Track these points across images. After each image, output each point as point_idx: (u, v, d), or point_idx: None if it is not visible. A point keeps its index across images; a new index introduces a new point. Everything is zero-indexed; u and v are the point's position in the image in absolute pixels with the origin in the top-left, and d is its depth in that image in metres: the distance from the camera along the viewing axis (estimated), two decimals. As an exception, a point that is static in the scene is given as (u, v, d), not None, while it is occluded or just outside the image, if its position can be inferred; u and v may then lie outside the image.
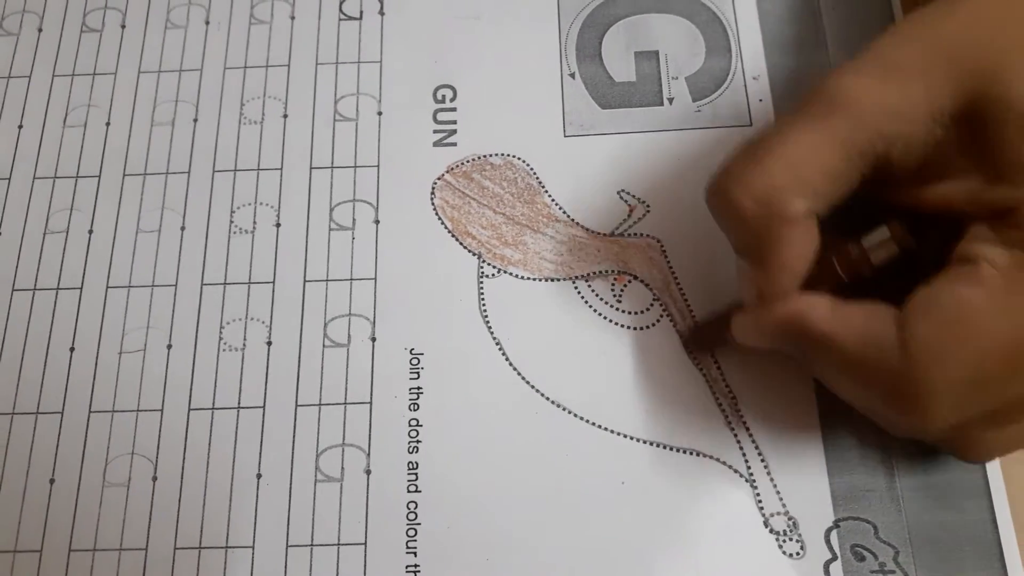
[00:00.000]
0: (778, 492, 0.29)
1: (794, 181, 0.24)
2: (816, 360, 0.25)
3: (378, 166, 0.33)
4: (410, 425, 0.30)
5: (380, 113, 0.34)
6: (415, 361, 0.31)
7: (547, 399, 0.30)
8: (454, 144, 0.34)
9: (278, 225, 0.33)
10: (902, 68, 0.23)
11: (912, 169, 0.24)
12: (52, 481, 0.30)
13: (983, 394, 0.23)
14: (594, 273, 0.32)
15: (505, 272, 0.32)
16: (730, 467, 0.29)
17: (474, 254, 0.32)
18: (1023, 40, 0.23)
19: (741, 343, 0.27)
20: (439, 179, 0.33)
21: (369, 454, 0.30)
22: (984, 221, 0.24)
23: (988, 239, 0.23)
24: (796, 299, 0.25)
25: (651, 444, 0.29)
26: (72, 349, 0.31)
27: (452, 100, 0.34)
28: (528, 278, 0.32)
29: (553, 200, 0.33)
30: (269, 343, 0.31)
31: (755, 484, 0.29)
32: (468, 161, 0.33)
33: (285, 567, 0.28)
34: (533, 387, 0.30)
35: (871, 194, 0.25)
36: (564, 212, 0.32)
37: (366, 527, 0.29)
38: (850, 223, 0.26)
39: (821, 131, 0.24)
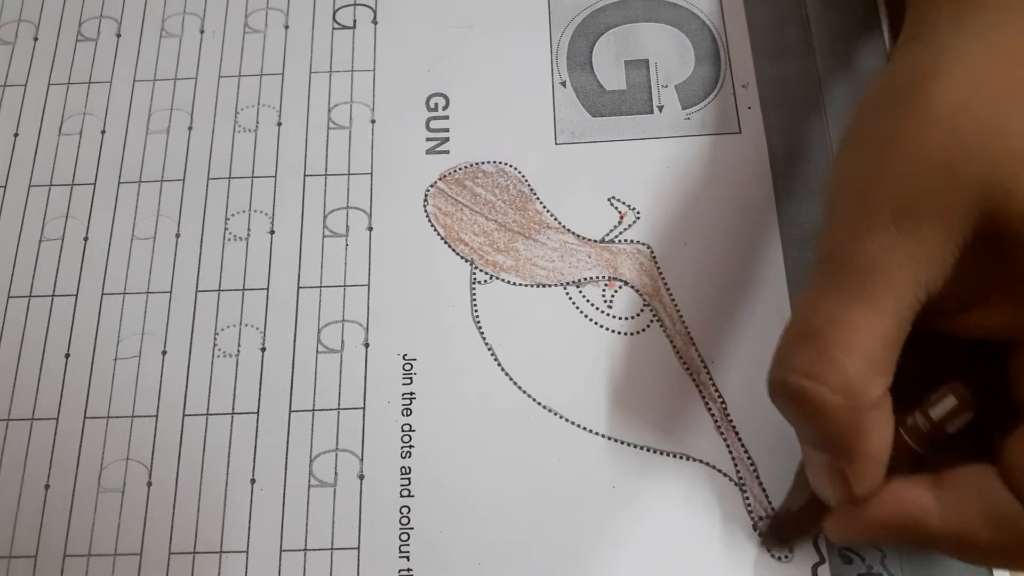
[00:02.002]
0: (767, 496, 0.29)
1: (866, 365, 0.22)
2: (942, 550, 0.23)
3: (371, 173, 0.34)
4: (403, 430, 0.30)
5: (373, 121, 0.35)
6: (408, 367, 0.31)
7: (538, 404, 0.30)
8: (447, 152, 0.34)
9: (272, 232, 0.33)
10: (913, 210, 0.21)
11: (953, 303, 0.22)
12: (47, 487, 0.30)
13: None
14: (585, 279, 0.32)
15: (497, 278, 0.32)
16: (719, 471, 0.29)
17: (466, 260, 0.32)
18: (1018, 143, 0.21)
19: (841, 544, 0.26)
20: (432, 186, 0.33)
21: (362, 459, 0.30)
22: None
23: None
24: (895, 495, 0.23)
25: (641, 448, 0.30)
26: (67, 355, 0.32)
27: (445, 108, 0.35)
28: (520, 284, 0.32)
29: (544, 207, 0.33)
30: (263, 349, 0.31)
31: (744, 488, 0.29)
32: (460, 168, 0.34)
33: (279, 572, 0.29)
34: (525, 392, 0.30)
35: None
36: (555, 219, 0.33)
37: (359, 532, 0.29)
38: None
39: (867, 304, 0.22)
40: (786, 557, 0.28)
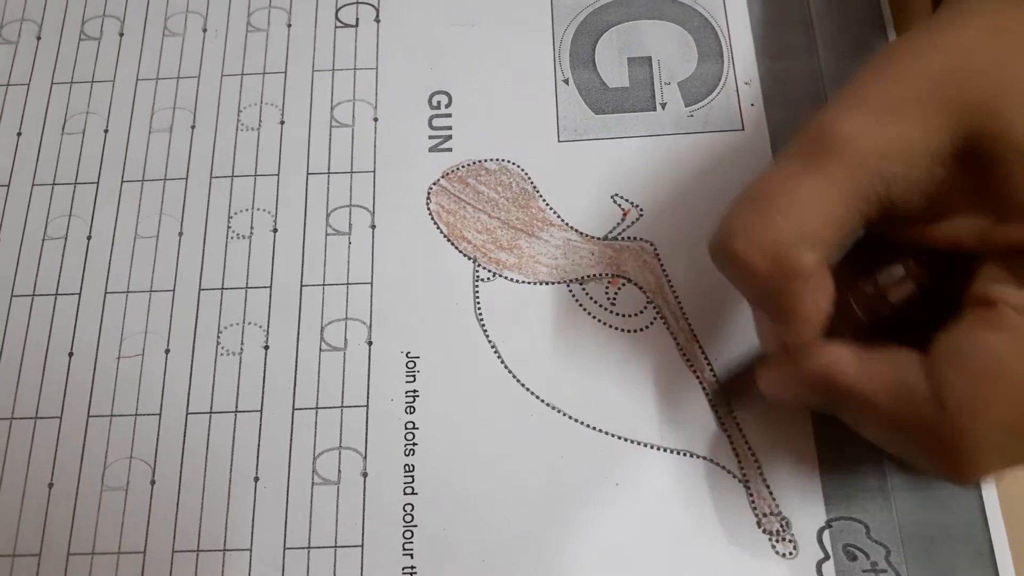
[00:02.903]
0: (771, 492, 0.29)
1: (802, 234, 0.23)
2: (848, 413, 0.25)
3: (374, 171, 0.34)
4: (406, 428, 0.30)
5: (376, 119, 0.35)
6: (411, 364, 0.31)
7: (542, 401, 0.30)
8: (449, 150, 0.34)
9: (275, 230, 0.33)
10: (896, 106, 0.22)
11: (917, 208, 0.23)
12: (51, 485, 0.30)
13: (1021, 441, 0.22)
14: (588, 276, 0.32)
15: (500, 276, 0.32)
16: (723, 468, 0.29)
17: (469, 258, 0.32)
18: (1018, 72, 0.22)
19: (769, 397, 0.27)
20: (435, 184, 0.33)
21: (366, 457, 0.30)
22: (996, 260, 0.23)
23: (1003, 279, 0.23)
24: (821, 352, 0.24)
25: (645, 445, 0.29)
26: (71, 354, 0.32)
27: (447, 106, 0.35)
28: (523, 282, 0.32)
29: (547, 204, 0.33)
30: (266, 347, 0.31)
31: (748, 485, 0.29)
32: (463, 166, 0.34)
33: (283, 570, 0.29)
34: (528, 389, 0.30)
35: (881, 232, 0.25)
36: (558, 216, 0.33)
37: (363, 529, 0.29)
38: (866, 257, 0.25)
39: (821, 179, 0.23)
40: (790, 554, 0.28)
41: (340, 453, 0.30)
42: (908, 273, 0.25)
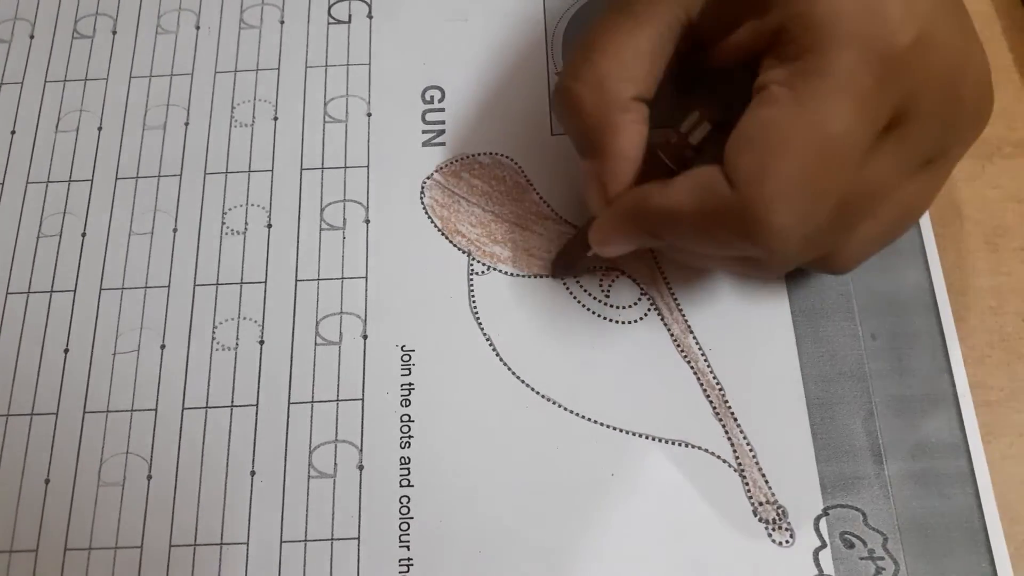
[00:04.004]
0: (767, 481, 0.29)
1: (619, 68, 0.27)
2: (667, 235, 0.27)
3: (368, 166, 0.34)
4: (402, 421, 0.30)
5: (369, 114, 0.35)
6: (406, 358, 0.31)
7: (537, 393, 0.30)
8: (443, 144, 0.34)
9: (269, 226, 0.33)
10: None
11: (714, 29, 0.27)
12: (47, 481, 0.30)
13: (815, 194, 0.24)
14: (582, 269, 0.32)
15: (495, 269, 0.32)
16: (719, 457, 0.29)
17: (464, 252, 0.32)
18: None
19: (601, 252, 0.29)
20: (428, 178, 0.33)
21: (361, 450, 0.30)
22: (769, 55, 0.25)
23: (772, 66, 0.25)
24: (636, 189, 0.27)
25: (640, 436, 0.30)
26: (66, 350, 0.32)
27: (440, 101, 0.35)
28: (517, 275, 0.32)
29: (541, 198, 0.33)
30: (262, 342, 0.31)
31: (744, 474, 0.29)
32: (457, 160, 0.34)
33: (280, 563, 0.29)
34: (523, 381, 0.30)
35: (689, 71, 0.28)
36: (552, 209, 0.33)
37: (359, 522, 0.29)
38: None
39: (632, 20, 0.27)
40: (787, 542, 0.28)
41: (336, 446, 0.30)
42: (702, 115, 0.28)
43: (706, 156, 0.26)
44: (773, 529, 0.28)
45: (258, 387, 0.31)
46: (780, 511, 0.29)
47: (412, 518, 0.29)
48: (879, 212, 0.26)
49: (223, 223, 0.33)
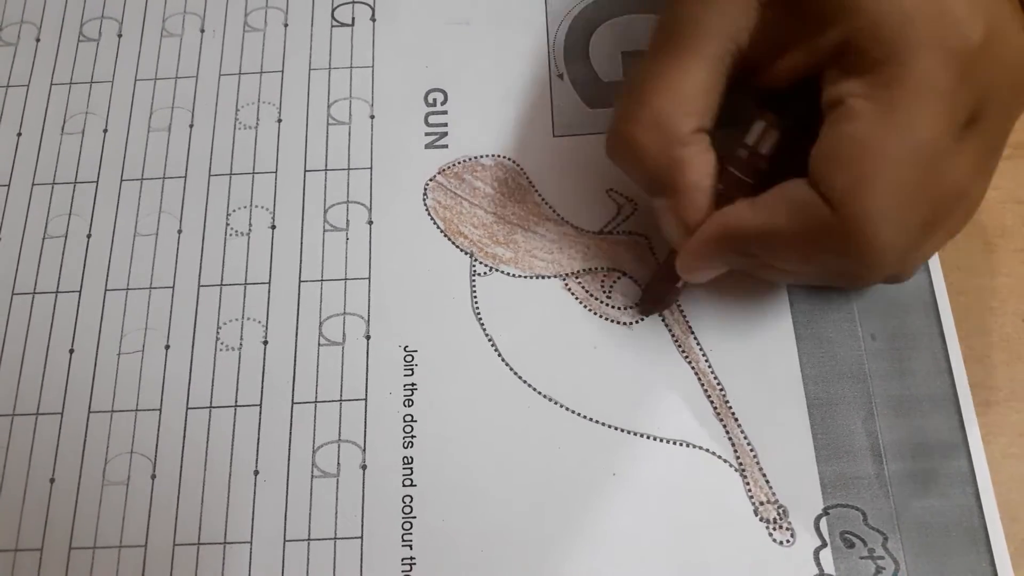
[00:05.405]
0: (767, 481, 0.29)
1: (675, 104, 0.26)
2: (763, 255, 0.26)
3: (371, 168, 0.34)
4: (405, 421, 0.30)
5: (373, 117, 0.35)
6: (409, 358, 0.31)
7: (539, 393, 0.30)
8: (445, 146, 0.34)
9: (273, 227, 0.33)
10: None
11: (764, 52, 0.27)
12: (52, 480, 0.30)
13: (914, 205, 0.24)
14: (584, 270, 0.32)
15: (497, 270, 0.32)
16: (719, 457, 0.29)
17: (466, 253, 0.33)
18: None
19: (692, 280, 0.29)
20: (431, 180, 0.34)
21: (365, 450, 0.30)
22: (832, 68, 0.25)
23: (841, 79, 0.25)
24: (718, 214, 0.27)
25: (641, 436, 0.30)
26: (71, 351, 0.32)
27: (443, 103, 0.35)
28: (519, 276, 0.32)
29: (543, 199, 0.33)
30: (265, 342, 0.32)
31: (744, 474, 0.29)
32: (459, 162, 0.34)
33: (283, 562, 0.29)
34: (525, 382, 0.31)
35: (744, 94, 0.28)
36: (554, 211, 0.33)
37: (362, 521, 0.29)
38: (730, 140, 0.28)
39: (682, 55, 0.26)
40: (788, 542, 0.28)
41: (339, 446, 0.30)
42: (768, 124, 0.27)
43: (779, 162, 0.26)
44: (774, 528, 0.28)
45: (262, 387, 0.31)
46: (781, 510, 0.29)
47: (415, 518, 0.29)
48: (956, 212, 0.26)
49: (227, 224, 0.33)
